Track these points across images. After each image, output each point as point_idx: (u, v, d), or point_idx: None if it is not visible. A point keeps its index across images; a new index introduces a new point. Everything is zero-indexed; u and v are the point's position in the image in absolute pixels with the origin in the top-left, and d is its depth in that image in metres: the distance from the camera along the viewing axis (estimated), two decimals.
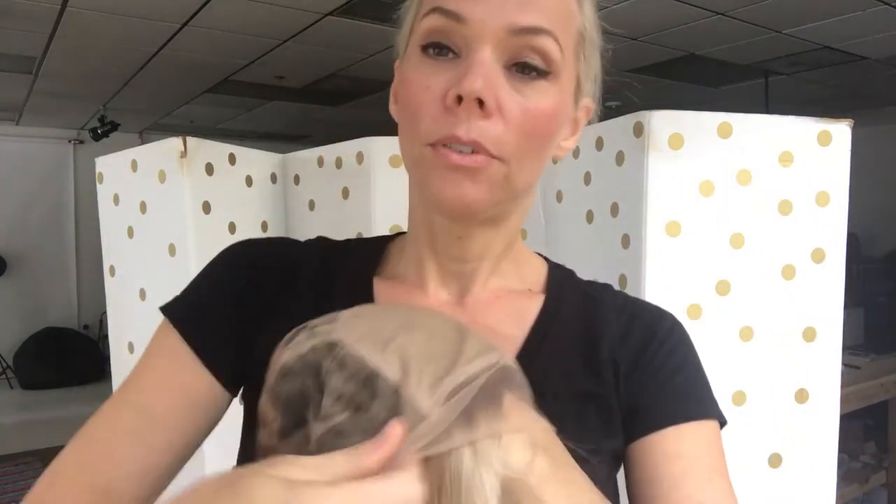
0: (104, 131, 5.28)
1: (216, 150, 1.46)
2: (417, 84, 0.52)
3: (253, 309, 0.59)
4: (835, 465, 1.22)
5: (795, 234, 1.18)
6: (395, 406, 0.38)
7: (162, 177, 1.43)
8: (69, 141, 6.31)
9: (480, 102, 0.49)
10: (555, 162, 0.61)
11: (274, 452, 0.41)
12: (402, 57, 0.58)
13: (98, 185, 1.61)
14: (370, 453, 0.36)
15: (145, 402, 0.56)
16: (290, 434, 0.41)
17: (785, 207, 1.17)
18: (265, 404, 0.44)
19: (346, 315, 0.45)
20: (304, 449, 0.39)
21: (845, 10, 3.28)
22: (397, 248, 0.65)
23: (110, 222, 1.60)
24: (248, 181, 1.55)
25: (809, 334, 1.19)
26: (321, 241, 0.66)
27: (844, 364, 1.59)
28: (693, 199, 1.14)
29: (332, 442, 0.38)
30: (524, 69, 0.51)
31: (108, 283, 1.62)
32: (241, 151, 1.53)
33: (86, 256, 6.21)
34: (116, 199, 1.57)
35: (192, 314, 0.59)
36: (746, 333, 1.17)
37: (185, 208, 1.40)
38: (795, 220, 1.17)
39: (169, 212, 1.43)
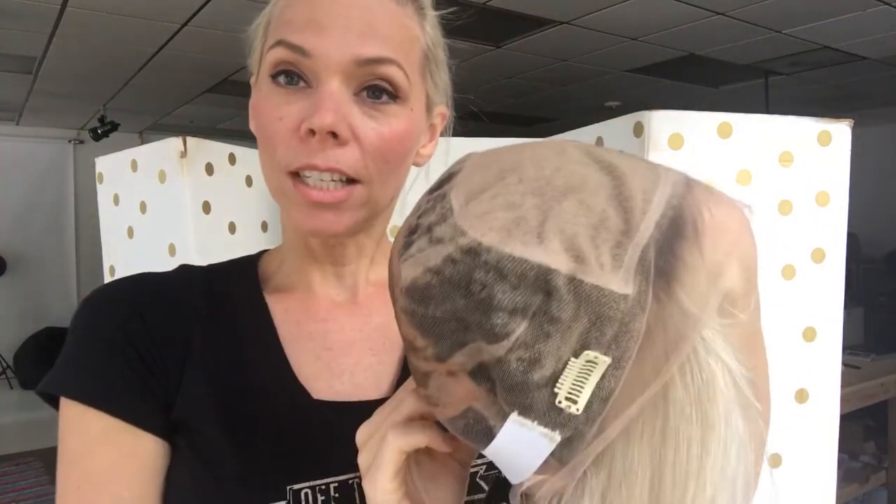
0: (104, 131, 5.28)
1: (216, 150, 1.46)
2: (269, 115, 0.54)
3: (153, 354, 0.55)
4: (835, 465, 1.22)
5: (795, 234, 1.18)
6: (581, 297, 0.34)
7: (162, 177, 1.43)
8: (69, 141, 6.30)
9: (334, 134, 0.51)
10: (418, 166, 0.63)
11: (434, 376, 0.38)
12: (256, 77, 0.59)
13: (98, 185, 1.61)
14: None
15: (114, 497, 0.53)
16: (451, 356, 0.37)
17: (785, 207, 1.17)
18: (407, 327, 0.39)
19: (455, 194, 0.38)
20: (484, 365, 0.36)
21: (845, 10, 3.28)
22: (272, 263, 0.65)
23: (110, 222, 1.60)
24: (248, 181, 1.54)
25: (809, 334, 1.19)
26: (187, 269, 0.64)
27: (844, 364, 1.59)
28: None
29: (525, 358, 0.34)
30: (374, 95, 0.53)
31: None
32: (241, 151, 1.53)
33: (86, 256, 6.21)
34: (116, 199, 1.57)
35: (98, 385, 0.54)
36: None
37: (185, 208, 1.39)
38: (795, 220, 1.17)
39: (169, 212, 1.43)
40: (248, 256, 0.67)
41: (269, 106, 0.54)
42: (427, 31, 0.58)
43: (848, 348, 3.00)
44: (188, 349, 0.57)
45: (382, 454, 0.43)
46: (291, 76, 0.53)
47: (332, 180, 0.53)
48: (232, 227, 1.49)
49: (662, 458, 0.35)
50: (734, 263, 0.37)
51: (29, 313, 6.11)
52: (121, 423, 0.53)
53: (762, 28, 3.54)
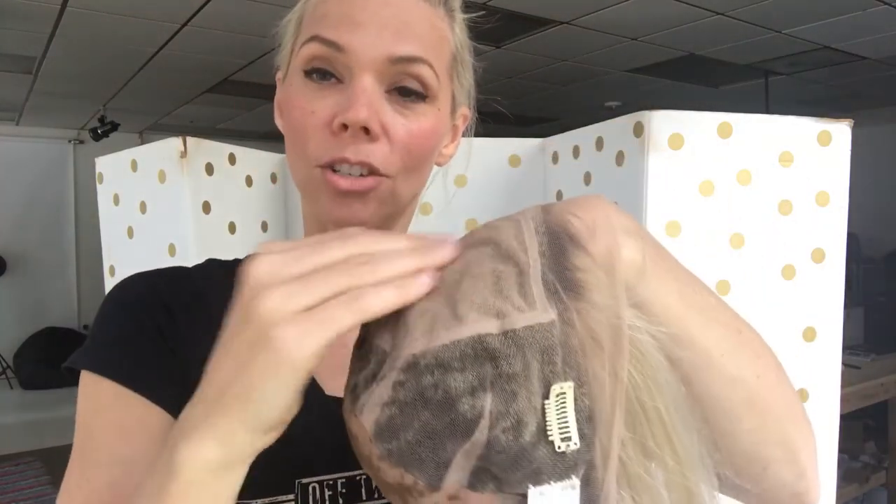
0: (104, 131, 5.29)
1: (216, 150, 1.46)
2: (302, 108, 0.55)
3: (172, 344, 0.56)
4: (835, 465, 1.22)
5: (795, 234, 1.18)
6: (521, 344, 0.35)
7: (162, 177, 1.43)
8: (69, 141, 6.31)
9: (366, 129, 0.52)
10: (439, 166, 0.65)
11: None
12: (284, 72, 0.60)
13: (98, 185, 1.61)
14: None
15: (113, 454, 0.53)
16: (443, 477, 0.36)
17: (785, 207, 1.17)
18: (391, 470, 0.37)
19: (380, 341, 0.39)
20: (478, 469, 0.35)
21: (845, 10, 3.28)
22: None
23: (110, 222, 1.60)
24: (248, 181, 1.54)
25: (809, 334, 1.19)
26: (214, 263, 0.66)
27: (844, 364, 1.59)
28: (693, 199, 1.14)
29: (509, 426, 0.34)
30: (404, 93, 0.55)
31: (109, 283, 1.62)
32: (241, 151, 1.53)
33: (86, 256, 6.21)
34: (116, 199, 1.57)
35: (118, 359, 0.55)
36: None
37: (185, 208, 1.39)
38: (795, 220, 1.17)
39: (169, 212, 1.43)
40: None
41: (301, 100, 0.55)
42: (456, 33, 0.60)
43: (848, 348, 3.00)
44: (203, 341, 0.56)
45: None
46: (324, 73, 0.54)
47: (361, 174, 0.54)
48: (232, 227, 1.49)
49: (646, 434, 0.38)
50: (619, 238, 0.39)
51: (29, 313, 6.12)
52: (131, 392, 0.54)
53: (762, 28, 3.54)
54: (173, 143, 1.40)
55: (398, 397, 0.36)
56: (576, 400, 0.35)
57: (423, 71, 0.54)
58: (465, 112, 0.65)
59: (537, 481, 0.35)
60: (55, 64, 4.07)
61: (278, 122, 0.61)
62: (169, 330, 0.57)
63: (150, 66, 4.18)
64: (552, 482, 0.35)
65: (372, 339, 0.40)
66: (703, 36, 3.67)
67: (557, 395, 0.35)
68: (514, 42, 3.73)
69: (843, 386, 1.28)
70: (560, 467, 0.35)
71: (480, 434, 0.35)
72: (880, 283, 4.85)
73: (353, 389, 0.40)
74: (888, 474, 3.18)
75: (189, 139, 1.39)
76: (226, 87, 4.70)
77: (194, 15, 3.24)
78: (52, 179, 6.27)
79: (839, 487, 1.27)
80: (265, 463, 0.49)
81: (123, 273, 1.60)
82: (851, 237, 1.24)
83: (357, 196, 0.54)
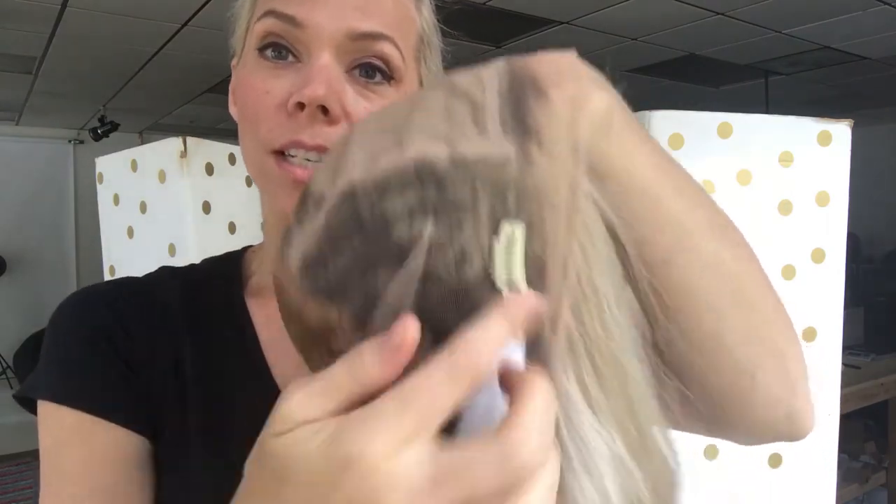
0: (104, 131, 5.28)
1: (216, 150, 1.46)
2: (256, 88, 0.50)
3: (127, 358, 0.54)
4: (835, 465, 1.22)
5: (795, 234, 1.18)
6: (470, 172, 0.31)
7: (162, 177, 1.43)
8: (69, 141, 6.30)
9: (324, 109, 0.47)
10: None
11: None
12: (238, 58, 0.55)
13: (98, 185, 1.61)
14: (373, 365, 0.27)
15: (89, 485, 0.50)
16: (370, 311, 0.31)
17: (785, 207, 1.17)
18: (316, 311, 0.33)
19: (319, 179, 0.35)
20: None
21: (845, 10, 3.28)
22: (254, 261, 0.62)
23: (110, 222, 1.60)
24: (248, 181, 1.55)
25: (809, 334, 1.19)
26: (166, 271, 0.62)
27: (844, 364, 1.59)
28: None
29: (450, 259, 0.30)
30: (367, 73, 0.50)
31: None
32: (241, 151, 1.53)
33: (86, 256, 6.20)
34: (116, 199, 1.57)
35: (76, 384, 0.52)
36: None
37: (185, 208, 1.40)
38: (795, 220, 1.17)
39: (169, 212, 1.43)
40: (231, 254, 0.64)
41: (255, 79, 0.50)
42: (423, 14, 0.55)
43: (848, 348, 3.00)
44: (166, 354, 0.54)
45: None
46: (280, 49, 0.49)
47: (319, 160, 0.48)
48: (232, 227, 1.49)
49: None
50: (586, 87, 0.36)
51: (29, 313, 6.11)
52: (91, 417, 0.51)
53: (762, 28, 3.54)
54: (173, 143, 1.40)
55: (331, 224, 0.32)
56: (526, 246, 0.31)
57: (388, 49, 0.50)
58: None
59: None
60: (55, 64, 4.06)
61: (232, 111, 0.56)
62: (122, 345, 0.54)
63: (150, 66, 4.17)
64: None
65: (309, 186, 0.35)
66: (703, 36, 3.66)
67: (507, 236, 0.31)
68: (514, 42, 3.73)
69: (843, 386, 1.28)
70: None
71: (416, 261, 0.30)
72: (880, 283, 4.84)
73: (286, 237, 0.35)
74: (888, 474, 3.18)
75: (189, 139, 1.39)
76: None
77: (194, 15, 3.24)
78: (52, 179, 6.27)
79: (839, 487, 1.27)
80: (231, 481, 0.46)
81: (123, 273, 1.60)
82: (851, 237, 1.24)
83: None
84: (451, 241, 0.30)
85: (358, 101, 0.49)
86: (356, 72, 0.50)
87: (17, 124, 5.99)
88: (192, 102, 5.23)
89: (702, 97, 5.15)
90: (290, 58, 0.49)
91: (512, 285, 0.31)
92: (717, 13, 3.30)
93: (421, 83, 0.55)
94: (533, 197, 0.32)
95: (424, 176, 0.31)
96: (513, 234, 0.31)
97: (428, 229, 0.30)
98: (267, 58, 0.50)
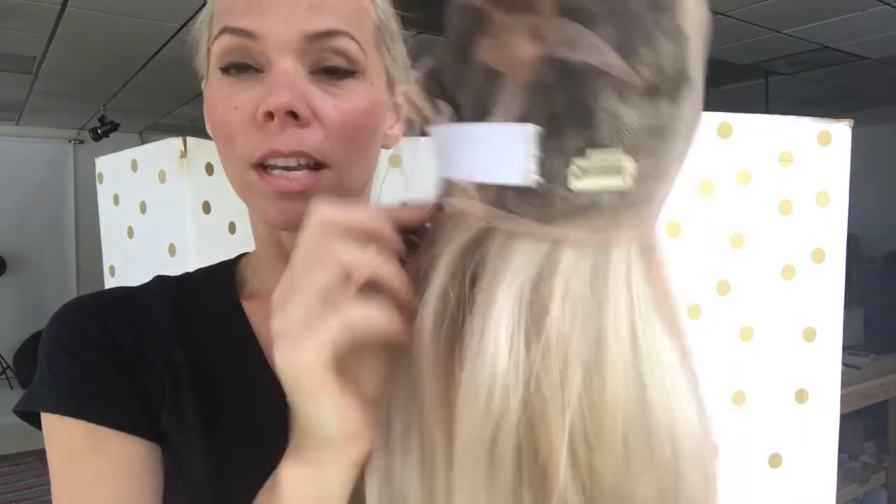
0: (104, 131, 5.28)
1: (216, 150, 1.46)
2: (224, 106, 0.51)
3: (127, 359, 0.54)
4: (835, 465, 1.22)
5: (795, 234, 1.18)
6: None
7: (162, 177, 1.43)
8: (69, 141, 6.31)
9: (294, 115, 0.48)
10: (387, 149, 0.61)
11: None
12: (206, 79, 0.56)
13: (98, 185, 1.61)
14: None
15: (103, 496, 0.51)
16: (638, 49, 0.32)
17: (785, 207, 1.17)
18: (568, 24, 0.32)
19: None
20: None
21: (845, 10, 3.28)
22: (248, 268, 0.64)
23: (110, 222, 1.60)
24: None
25: (809, 334, 1.19)
26: (162, 280, 0.62)
27: (844, 364, 1.59)
28: (693, 199, 1.14)
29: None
30: (330, 72, 0.50)
31: (108, 283, 1.62)
32: (223, 169, 1.53)
33: (86, 256, 6.21)
34: (116, 199, 1.57)
35: (74, 394, 0.52)
36: (746, 333, 1.17)
37: (185, 208, 1.39)
38: (795, 220, 1.17)
39: (169, 212, 1.43)
40: (225, 262, 0.65)
41: (222, 97, 0.51)
42: (377, 3, 0.55)
43: (848, 348, 3.00)
44: (159, 353, 0.55)
45: (329, 321, 0.36)
46: (240, 66, 0.50)
47: (299, 166, 0.49)
48: (232, 227, 1.49)
49: None
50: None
51: (29, 313, 6.11)
52: (102, 428, 0.51)
53: (762, 28, 3.54)
54: (173, 143, 1.40)
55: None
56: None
57: (345, 44, 0.50)
58: (406, 89, 0.62)
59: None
60: (55, 64, 4.06)
61: (209, 129, 0.57)
62: (119, 354, 0.54)
63: (151, 66, 4.17)
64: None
65: None
66: None
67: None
68: None
69: (843, 386, 1.28)
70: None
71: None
72: (880, 283, 4.84)
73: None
74: (888, 474, 3.18)
75: (189, 139, 1.39)
76: None
77: (194, 15, 3.24)
78: (52, 179, 6.27)
79: (839, 487, 1.27)
80: (231, 480, 0.47)
81: (123, 273, 1.61)
82: (851, 237, 1.24)
83: (299, 196, 0.49)
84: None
85: (324, 99, 0.50)
86: (320, 73, 0.50)
87: (17, 124, 5.99)
88: (192, 102, 5.23)
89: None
90: (252, 70, 0.50)
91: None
92: (717, 13, 3.30)
93: (388, 73, 0.56)
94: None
95: None
96: None
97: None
98: (231, 74, 0.51)
